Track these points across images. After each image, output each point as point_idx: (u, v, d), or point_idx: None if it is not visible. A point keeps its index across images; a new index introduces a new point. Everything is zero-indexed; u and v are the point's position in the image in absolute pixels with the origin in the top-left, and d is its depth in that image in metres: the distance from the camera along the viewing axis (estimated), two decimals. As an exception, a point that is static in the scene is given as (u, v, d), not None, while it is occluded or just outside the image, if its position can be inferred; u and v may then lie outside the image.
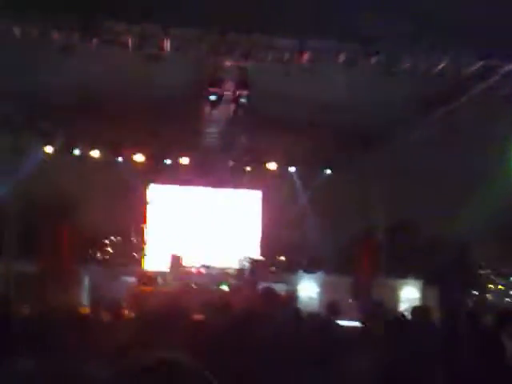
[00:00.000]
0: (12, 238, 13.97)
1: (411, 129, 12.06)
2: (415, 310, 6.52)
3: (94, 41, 8.74)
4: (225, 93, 10.50)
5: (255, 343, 1.47)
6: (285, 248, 15.45)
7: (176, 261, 13.40)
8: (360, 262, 14.25)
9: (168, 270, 13.47)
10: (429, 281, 14.03)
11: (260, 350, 1.50)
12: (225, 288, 12.69)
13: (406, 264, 14.47)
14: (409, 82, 9.49)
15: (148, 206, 15.31)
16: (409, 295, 13.91)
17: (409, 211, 13.39)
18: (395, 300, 13.45)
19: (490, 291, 16.08)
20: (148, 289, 12.51)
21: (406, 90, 10.06)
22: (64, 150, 14.21)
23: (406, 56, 8.55)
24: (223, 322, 4.35)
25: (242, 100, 10.45)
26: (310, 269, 14.93)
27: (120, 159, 14.46)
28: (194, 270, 13.63)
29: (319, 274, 14.78)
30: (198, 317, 6.35)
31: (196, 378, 1.09)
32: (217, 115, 11.91)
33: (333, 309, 7.29)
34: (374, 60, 8.54)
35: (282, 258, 15.84)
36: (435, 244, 14.08)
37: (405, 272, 14.56)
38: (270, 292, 7.72)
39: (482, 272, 15.94)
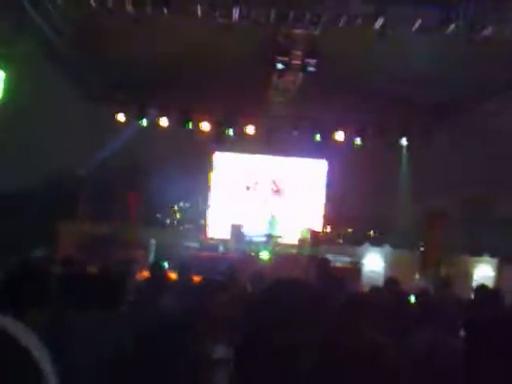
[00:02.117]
0: (86, 202, 14.62)
1: (492, 101, 11.34)
2: (479, 290, 6.14)
3: (165, 11, 8.75)
4: (293, 61, 10.25)
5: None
6: (351, 220, 15.17)
7: (237, 229, 13.50)
8: (430, 238, 13.75)
9: (229, 238, 13.61)
10: (506, 259, 13.33)
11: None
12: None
13: (481, 241, 13.82)
14: (490, 51, 8.81)
15: (213, 174, 15.41)
16: (483, 273, 13.31)
17: (486, 186, 12.69)
18: (467, 278, 12.88)
19: None
20: (209, 255, 12.72)
21: (487, 59, 9.38)
22: (136, 118, 14.49)
23: (488, 21, 7.93)
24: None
25: (310, 68, 10.18)
26: (376, 242, 14.62)
27: (187, 126, 14.55)
28: (254, 240, 13.68)
29: (386, 248, 14.44)
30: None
31: None
32: (284, 84, 11.68)
33: (393, 285, 7.08)
34: (452, 26, 7.99)
35: (349, 229, 15.60)
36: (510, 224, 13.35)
37: (480, 249, 13.91)
38: (324, 264, 7.57)
39: None
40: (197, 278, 8.15)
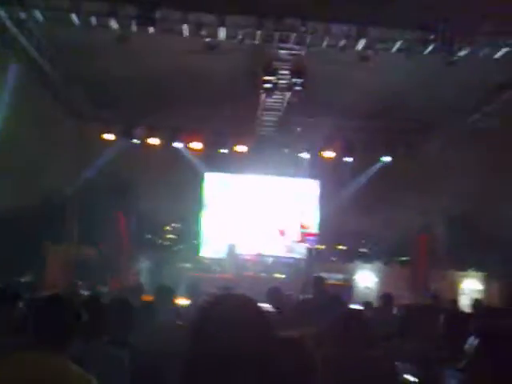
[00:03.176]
0: (73, 224, 14.38)
1: (473, 118, 11.55)
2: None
3: (151, 29, 8.86)
4: (280, 81, 10.41)
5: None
6: (344, 237, 15.22)
7: (231, 249, 13.49)
8: (418, 254, 13.90)
9: (224, 258, 13.59)
10: (492, 274, 13.47)
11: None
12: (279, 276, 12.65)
13: (466, 257, 13.94)
14: (468, 70, 9.03)
15: (205, 194, 15.41)
16: (470, 287, 13.54)
17: (469, 204, 12.79)
18: (455, 292, 13.05)
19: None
20: (203, 275, 12.68)
21: (465, 77, 9.59)
22: (124, 138, 14.44)
23: (464, 43, 8.16)
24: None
25: (297, 88, 10.33)
26: (368, 258, 14.73)
27: (177, 146, 14.55)
28: (249, 258, 13.68)
29: (377, 264, 14.57)
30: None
31: None
32: (272, 103, 11.83)
33: (386, 300, 7.24)
34: (430, 47, 8.21)
35: (342, 247, 15.63)
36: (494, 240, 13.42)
37: (466, 265, 14.07)
38: (319, 282, 7.68)
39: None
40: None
